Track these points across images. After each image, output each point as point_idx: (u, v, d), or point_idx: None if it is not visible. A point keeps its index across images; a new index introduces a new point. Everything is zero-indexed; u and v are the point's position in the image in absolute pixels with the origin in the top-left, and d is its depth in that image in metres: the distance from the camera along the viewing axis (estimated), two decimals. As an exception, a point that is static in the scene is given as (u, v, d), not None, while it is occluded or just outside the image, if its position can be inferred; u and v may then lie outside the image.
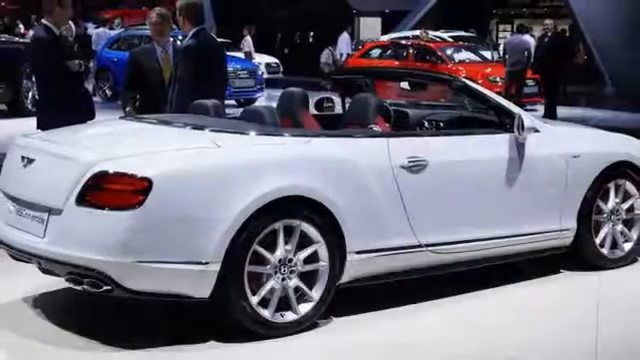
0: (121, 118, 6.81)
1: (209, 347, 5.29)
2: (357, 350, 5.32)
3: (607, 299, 6.35)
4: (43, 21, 8.14)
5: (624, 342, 5.52)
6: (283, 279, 5.48)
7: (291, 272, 5.51)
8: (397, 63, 22.56)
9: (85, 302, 6.06)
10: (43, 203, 5.37)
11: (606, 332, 5.64)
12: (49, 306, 6.03)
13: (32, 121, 8.38)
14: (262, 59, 27.77)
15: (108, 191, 5.12)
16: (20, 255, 5.55)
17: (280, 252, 5.46)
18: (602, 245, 7.09)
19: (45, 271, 5.49)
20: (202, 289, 5.21)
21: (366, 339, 5.48)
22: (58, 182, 5.30)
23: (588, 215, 6.95)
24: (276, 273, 5.46)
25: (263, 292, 5.41)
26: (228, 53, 12.67)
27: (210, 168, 5.29)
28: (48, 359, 5.16)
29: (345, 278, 5.76)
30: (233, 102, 20.85)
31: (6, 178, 5.89)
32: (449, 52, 22.73)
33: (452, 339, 5.52)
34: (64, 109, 7.81)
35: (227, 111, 6.86)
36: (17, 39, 20.77)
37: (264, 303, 5.42)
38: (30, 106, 16.99)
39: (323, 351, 5.30)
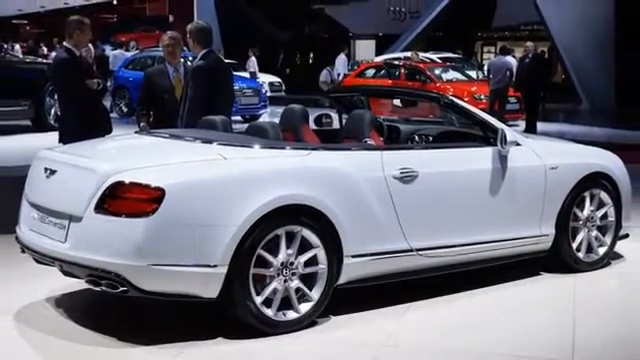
0: (136, 133, 6.81)
1: (217, 343, 5.28)
2: (354, 346, 5.31)
3: (583, 299, 6.34)
4: (64, 43, 8.15)
5: (598, 338, 5.52)
6: (285, 280, 5.47)
7: (292, 274, 5.50)
8: (390, 82, 22.56)
9: (102, 302, 6.05)
10: (64, 211, 5.36)
11: (582, 328, 5.64)
12: (69, 306, 6.03)
13: (54, 136, 8.38)
14: (266, 78, 27.78)
15: (124, 200, 5.12)
16: (43, 259, 5.54)
17: (282, 256, 5.45)
18: (578, 249, 7.08)
19: (66, 273, 5.48)
20: (210, 290, 5.21)
21: (362, 336, 5.47)
22: (78, 191, 5.29)
23: (565, 222, 6.95)
24: (279, 275, 5.45)
25: (266, 292, 5.41)
26: (234, 73, 12.66)
27: (218, 178, 5.29)
28: (69, 353, 5.15)
29: (342, 280, 5.75)
30: (239, 118, 20.83)
31: (31, 188, 5.89)
32: (437, 72, 22.73)
33: (442, 335, 5.52)
34: (84, 124, 7.82)
35: (234, 126, 6.86)
36: (40, 60, 20.77)
37: (267, 303, 5.41)
38: (52, 122, 16.98)
39: (322, 347, 5.28)
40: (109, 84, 23.31)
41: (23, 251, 5.79)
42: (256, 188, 5.30)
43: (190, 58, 12.51)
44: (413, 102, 8.37)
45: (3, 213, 6.96)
